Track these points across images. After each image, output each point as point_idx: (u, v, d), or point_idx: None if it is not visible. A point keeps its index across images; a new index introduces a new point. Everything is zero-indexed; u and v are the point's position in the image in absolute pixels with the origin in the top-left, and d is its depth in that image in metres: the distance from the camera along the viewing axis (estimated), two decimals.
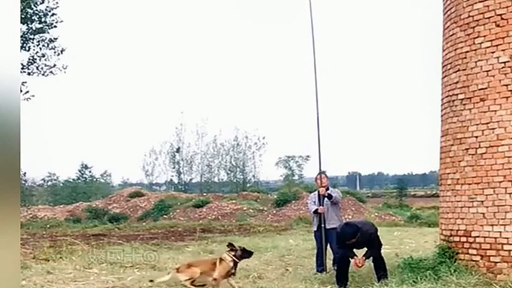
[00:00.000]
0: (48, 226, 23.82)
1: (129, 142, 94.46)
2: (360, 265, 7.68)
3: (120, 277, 8.90)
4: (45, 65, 21.08)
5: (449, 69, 8.02)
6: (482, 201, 7.33)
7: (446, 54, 8.20)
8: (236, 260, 7.91)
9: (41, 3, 20.60)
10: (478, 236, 7.35)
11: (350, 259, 7.73)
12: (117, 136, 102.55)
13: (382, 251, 8.17)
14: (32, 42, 20.86)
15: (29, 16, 20.18)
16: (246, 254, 8.12)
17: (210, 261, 8.22)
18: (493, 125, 7.26)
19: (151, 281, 8.06)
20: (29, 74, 20.91)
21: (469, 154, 7.52)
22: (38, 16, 20.59)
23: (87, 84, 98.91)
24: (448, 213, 7.93)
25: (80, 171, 47.83)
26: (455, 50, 7.87)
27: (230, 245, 8.12)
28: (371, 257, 7.90)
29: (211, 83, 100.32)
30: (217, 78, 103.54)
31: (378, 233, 8.06)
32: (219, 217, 26.56)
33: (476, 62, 7.51)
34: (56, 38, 21.24)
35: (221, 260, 7.91)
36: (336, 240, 8.24)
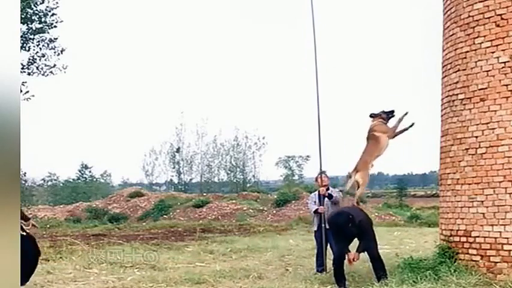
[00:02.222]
0: (48, 226, 23.76)
1: (129, 142, 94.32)
2: (355, 260, 7.68)
3: (120, 277, 8.91)
4: (45, 65, 21.10)
5: (449, 69, 8.02)
6: (482, 201, 7.32)
7: (446, 54, 8.20)
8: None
9: (41, 3, 20.61)
10: (478, 236, 7.35)
11: (345, 255, 7.74)
12: (117, 136, 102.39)
13: (382, 251, 8.16)
14: (32, 42, 20.86)
15: (29, 16, 20.18)
16: (389, 114, 8.73)
17: (371, 145, 8.53)
18: (493, 125, 7.25)
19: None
20: (29, 74, 20.92)
21: (469, 154, 7.52)
22: (38, 16, 20.59)
23: (87, 84, 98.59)
24: (448, 213, 7.93)
25: (80, 171, 47.85)
26: (455, 50, 7.87)
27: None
28: (369, 256, 7.91)
29: (211, 83, 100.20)
30: (217, 78, 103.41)
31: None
32: (219, 217, 26.55)
33: (476, 62, 7.51)
34: (56, 38, 21.26)
35: (376, 137, 8.40)
36: (331, 233, 8.26)
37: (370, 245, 7.79)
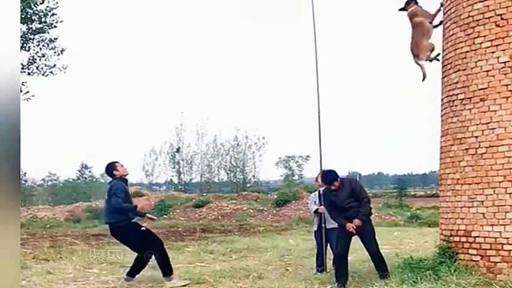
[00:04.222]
0: (48, 226, 23.77)
1: (129, 142, 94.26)
2: (356, 224, 7.73)
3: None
4: (45, 65, 21.14)
5: (449, 69, 8.02)
6: (482, 201, 7.32)
7: (446, 54, 8.19)
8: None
9: (41, 3, 20.63)
10: (478, 236, 7.35)
11: (346, 228, 7.77)
12: (117, 136, 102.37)
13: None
14: (32, 42, 20.89)
15: (29, 16, 20.20)
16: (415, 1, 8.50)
17: (417, 31, 8.42)
18: (493, 125, 7.25)
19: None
20: (29, 74, 20.96)
21: (469, 154, 7.52)
22: (38, 16, 20.61)
23: (87, 84, 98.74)
24: (448, 213, 7.93)
25: (80, 171, 47.81)
26: (455, 50, 7.87)
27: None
28: (369, 253, 7.91)
29: (211, 83, 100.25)
30: (217, 78, 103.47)
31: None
32: (219, 217, 26.53)
33: (476, 62, 7.51)
34: (56, 38, 21.30)
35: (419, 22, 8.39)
36: (323, 197, 8.40)
37: (367, 211, 7.94)
